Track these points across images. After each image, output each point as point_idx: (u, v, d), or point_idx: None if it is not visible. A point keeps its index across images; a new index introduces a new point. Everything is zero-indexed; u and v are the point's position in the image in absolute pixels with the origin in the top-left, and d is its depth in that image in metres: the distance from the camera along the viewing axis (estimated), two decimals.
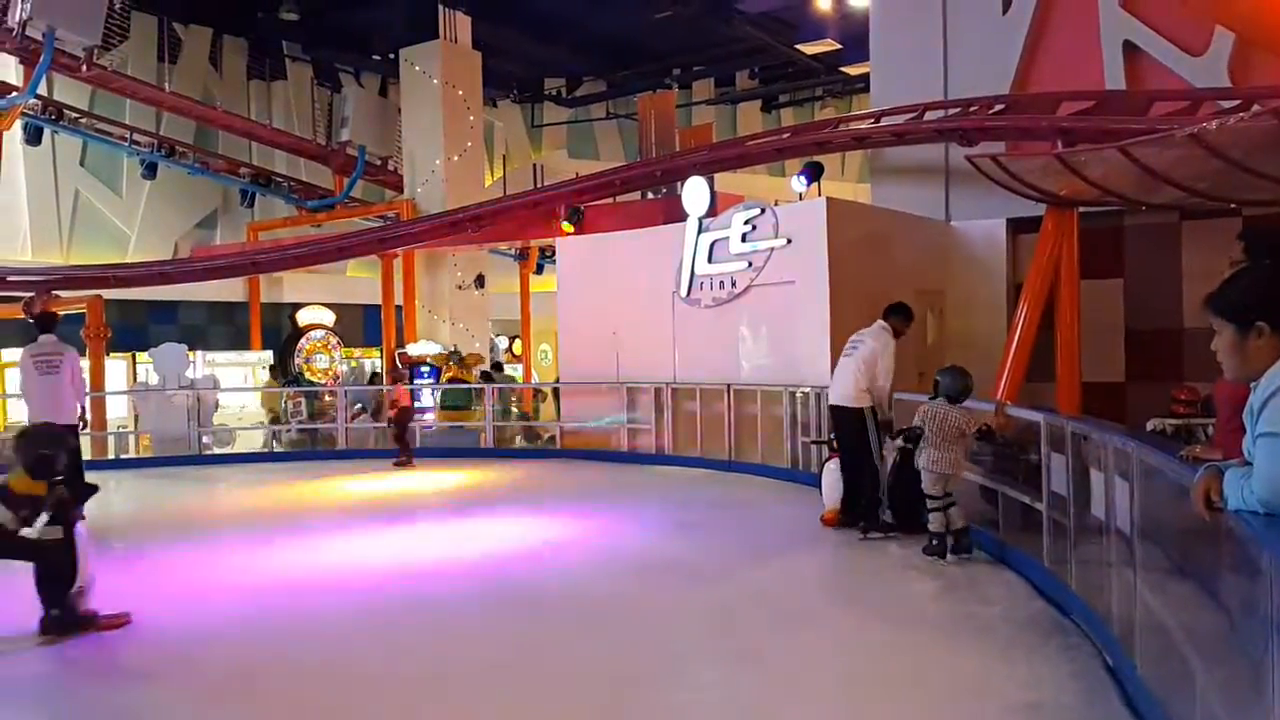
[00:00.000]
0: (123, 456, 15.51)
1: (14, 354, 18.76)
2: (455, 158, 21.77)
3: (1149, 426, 9.05)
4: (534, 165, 29.15)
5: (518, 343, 26.29)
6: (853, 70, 22.42)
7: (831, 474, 8.44)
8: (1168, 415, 9.44)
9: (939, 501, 6.87)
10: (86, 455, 15.45)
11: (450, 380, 18.91)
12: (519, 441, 15.89)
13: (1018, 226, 12.88)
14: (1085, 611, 5.21)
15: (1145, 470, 4.06)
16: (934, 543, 6.91)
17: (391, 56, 22.98)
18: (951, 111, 12.85)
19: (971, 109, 12.60)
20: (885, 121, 13.54)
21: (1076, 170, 9.81)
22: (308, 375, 22.46)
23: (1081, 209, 11.39)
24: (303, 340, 22.95)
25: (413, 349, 20.64)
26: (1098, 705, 4.18)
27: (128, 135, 21.10)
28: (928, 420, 7.02)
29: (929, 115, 12.99)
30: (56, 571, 5.41)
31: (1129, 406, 11.94)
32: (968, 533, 6.93)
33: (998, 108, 12.39)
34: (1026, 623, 5.40)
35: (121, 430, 16.86)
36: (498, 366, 22.26)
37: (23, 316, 17.88)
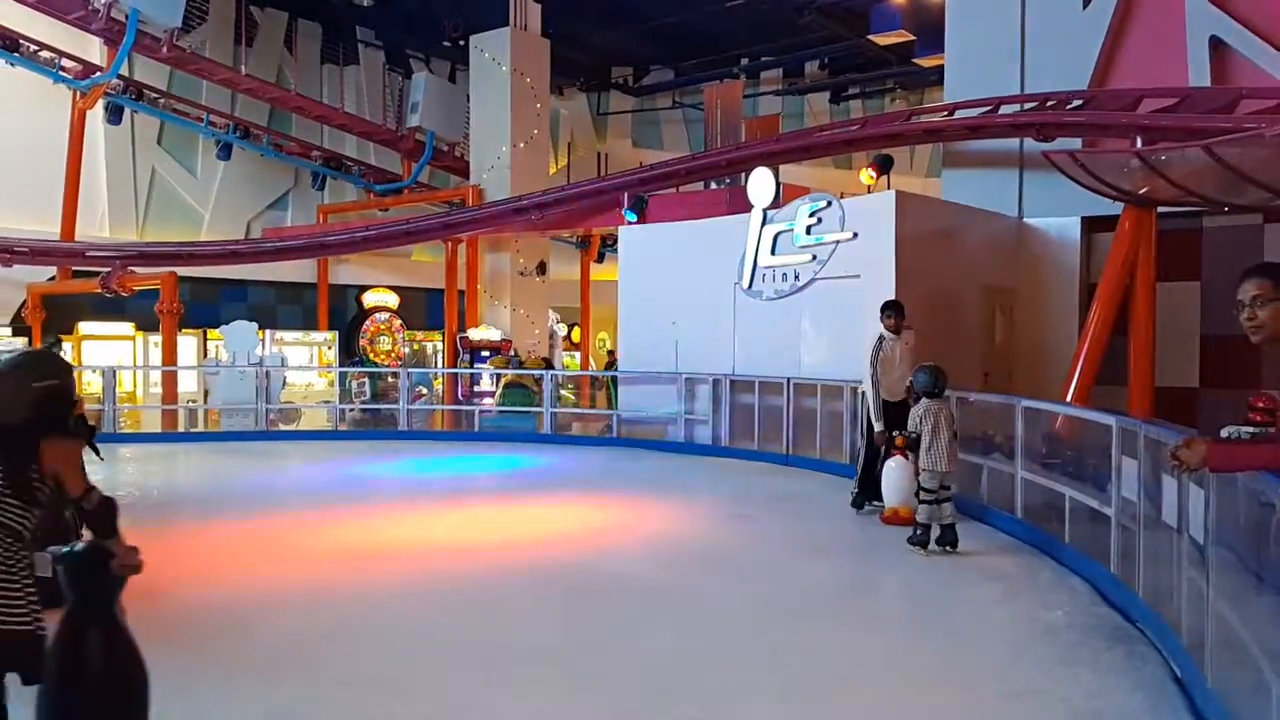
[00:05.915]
0: (192, 430, 15.89)
1: (92, 327, 19.37)
2: (521, 145, 21.90)
3: (1223, 434, 8.79)
4: (598, 154, 29.24)
5: (575, 329, 26.40)
6: (926, 62, 21.97)
7: (893, 472, 8.33)
8: (1243, 423, 9.16)
9: (934, 495, 7.08)
10: (157, 428, 15.97)
11: (510, 385, 18.93)
12: (576, 428, 15.96)
13: (1093, 225, 12.58)
14: (1153, 620, 5.08)
15: (1222, 477, 3.94)
16: (918, 533, 7.16)
17: (462, 43, 23.17)
18: (1028, 106, 12.57)
19: (1049, 104, 12.31)
20: (959, 115, 13.28)
21: (1157, 169, 9.54)
22: (371, 356, 22.84)
23: (1160, 209, 11.09)
24: (367, 322, 23.35)
25: (474, 333, 20.86)
26: (1165, 716, 4.08)
27: (204, 116, 21.60)
28: (922, 422, 7.20)
29: (1004, 109, 12.72)
30: None
31: (1202, 413, 11.61)
32: (953, 529, 7.14)
33: (1076, 103, 12.09)
34: (1091, 629, 5.28)
35: (191, 405, 17.26)
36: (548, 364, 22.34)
37: (100, 291, 18.44)
